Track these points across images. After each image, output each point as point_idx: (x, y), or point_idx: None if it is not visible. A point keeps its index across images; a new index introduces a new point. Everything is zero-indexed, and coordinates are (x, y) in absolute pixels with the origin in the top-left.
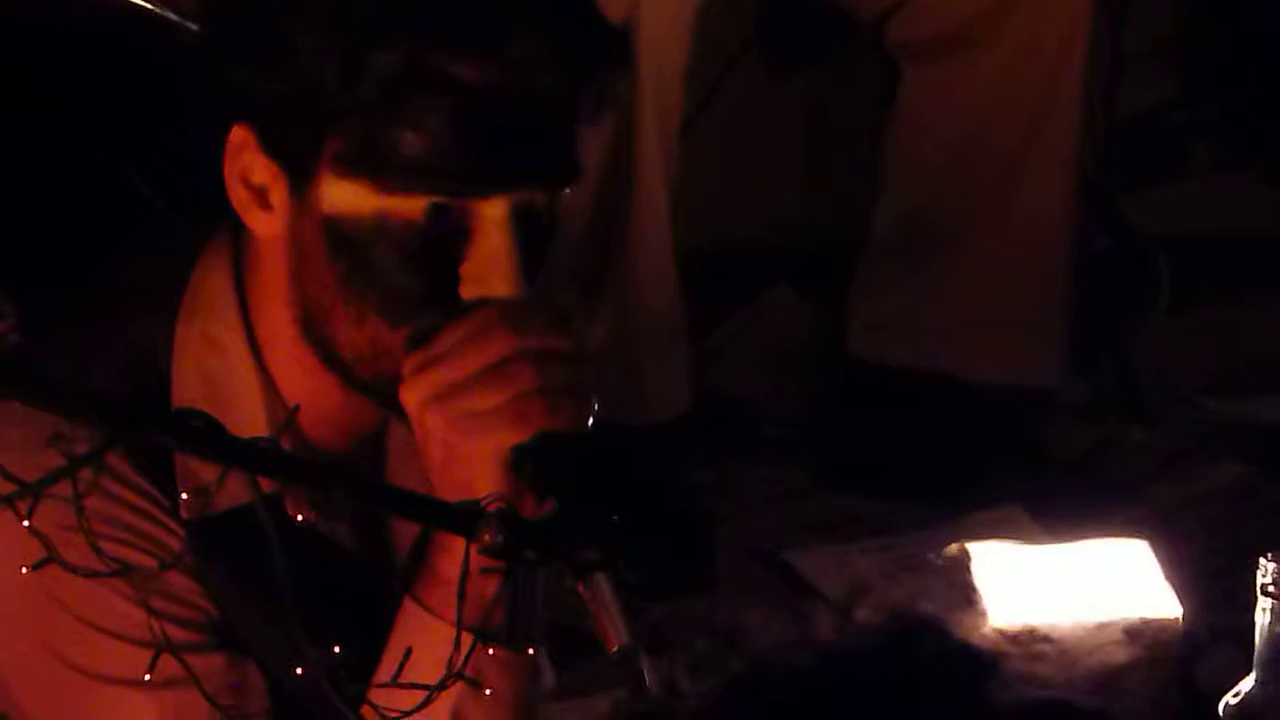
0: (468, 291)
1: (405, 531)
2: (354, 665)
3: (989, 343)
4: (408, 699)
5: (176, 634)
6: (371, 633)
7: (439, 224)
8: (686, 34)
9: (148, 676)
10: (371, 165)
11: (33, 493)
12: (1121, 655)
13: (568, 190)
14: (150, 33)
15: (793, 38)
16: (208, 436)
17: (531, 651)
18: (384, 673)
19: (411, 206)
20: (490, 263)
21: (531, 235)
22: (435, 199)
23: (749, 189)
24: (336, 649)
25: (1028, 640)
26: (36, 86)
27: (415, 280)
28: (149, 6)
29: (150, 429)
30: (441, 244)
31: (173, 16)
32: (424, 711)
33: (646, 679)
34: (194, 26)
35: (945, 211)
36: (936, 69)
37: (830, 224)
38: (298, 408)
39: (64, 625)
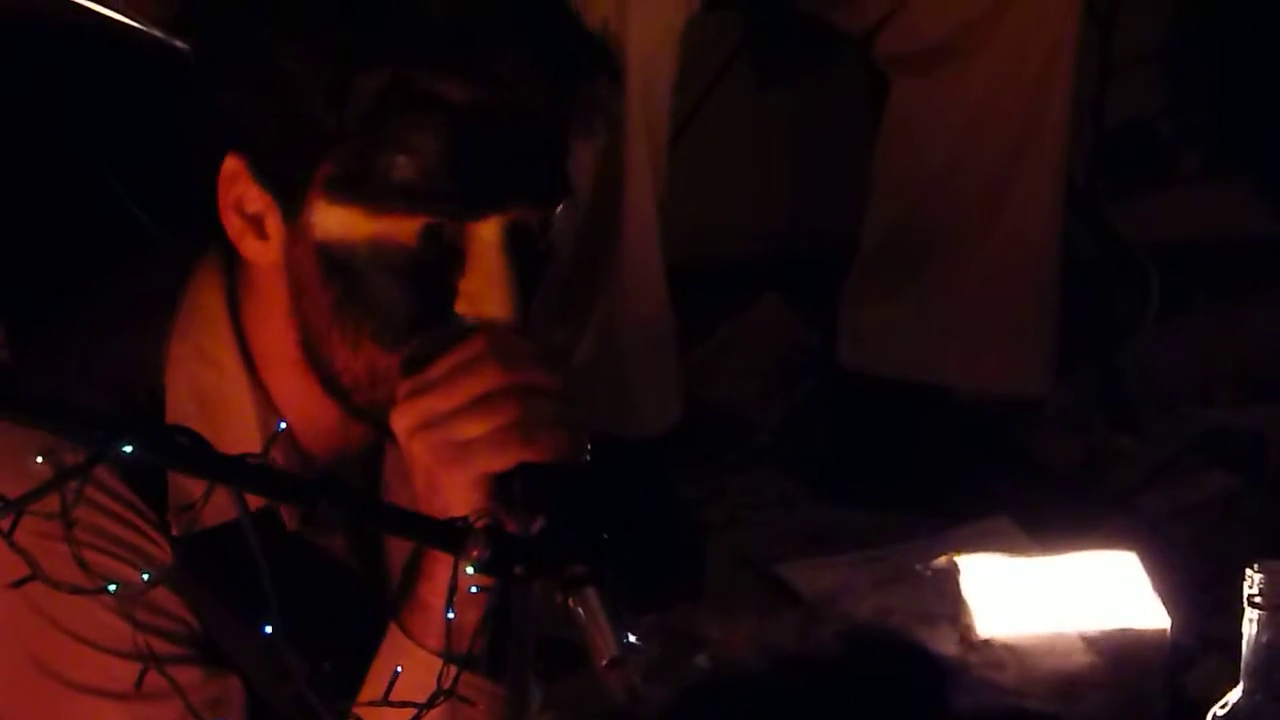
0: (462, 309)
1: (399, 550)
2: (343, 681)
3: (978, 353)
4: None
5: (156, 646)
6: (362, 650)
7: (432, 246)
8: (675, 46)
9: (109, 662)
10: (362, 189)
11: (15, 509)
12: (1106, 669)
13: (559, 209)
14: (145, 53)
15: (780, 49)
16: (194, 453)
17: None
18: (366, 694)
19: (404, 229)
20: (485, 284)
21: (525, 255)
22: (428, 220)
23: (737, 200)
24: (325, 666)
25: (1007, 652)
26: (27, 105)
27: (410, 303)
28: (142, 27)
29: (137, 445)
30: (435, 266)
31: (163, 36)
32: None
33: (613, 687)
34: (184, 45)
35: (933, 222)
36: (924, 80)
37: (818, 234)
38: (286, 427)
39: (43, 632)
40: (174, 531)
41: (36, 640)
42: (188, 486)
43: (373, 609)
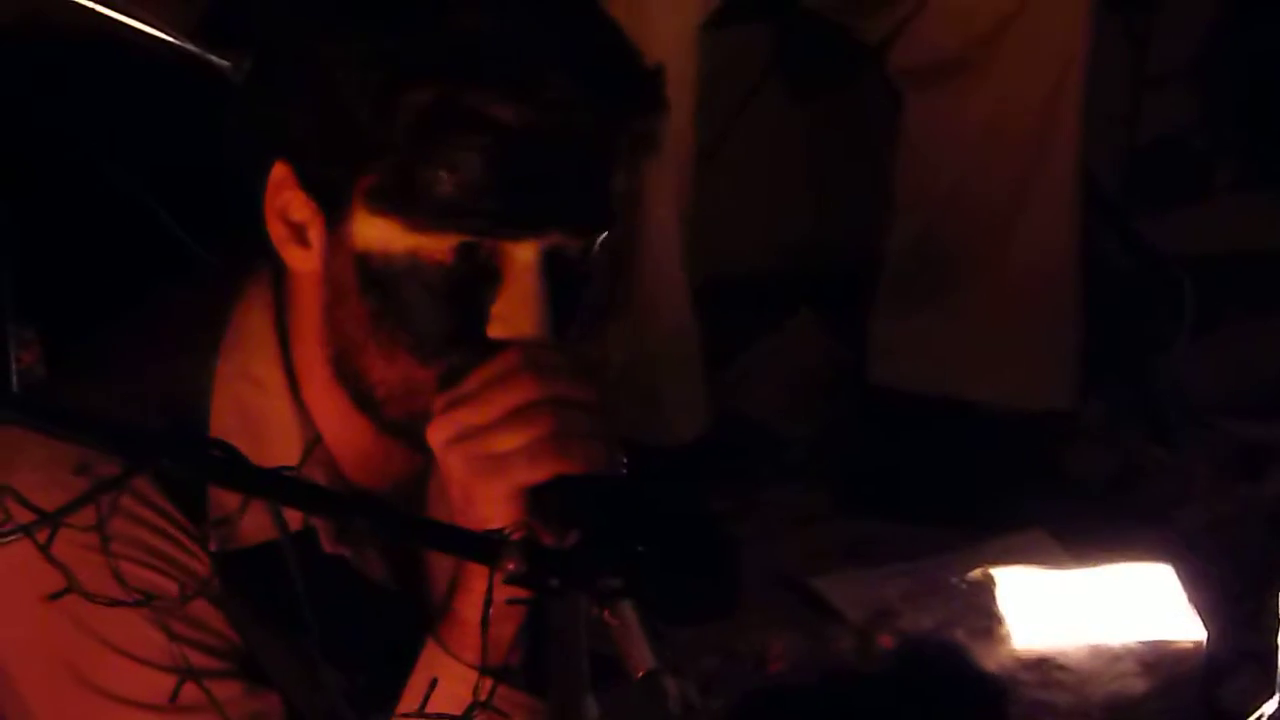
0: (496, 332)
1: (441, 568)
2: (382, 699)
3: (1001, 367)
4: None
5: (197, 660)
6: (399, 667)
7: (469, 264)
8: (693, 50)
9: (152, 677)
10: (403, 202)
11: (52, 522)
12: (1143, 681)
13: (601, 237)
14: (186, 70)
15: (811, 65)
16: (229, 466)
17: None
18: (404, 708)
19: (441, 245)
20: (519, 306)
21: (563, 281)
22: (465, 239)
23: (771, 215)
24: (359, 678)
25: (1047, 666)
26: (70, 126)
27: (445, 319)
28: (184, 45)
29: (172, 458)
30: (471, 284)
31: (203, 53)
32: None
33: (670, 701)
34: (224, 63)
35: (953, 237)
36: (936, 95)
37: (849, 249)
38: (320, 438)
39: (84, 646)
40: (212, 547)
41: (75, 652)
42: (227, 501)
43: (410, 627)
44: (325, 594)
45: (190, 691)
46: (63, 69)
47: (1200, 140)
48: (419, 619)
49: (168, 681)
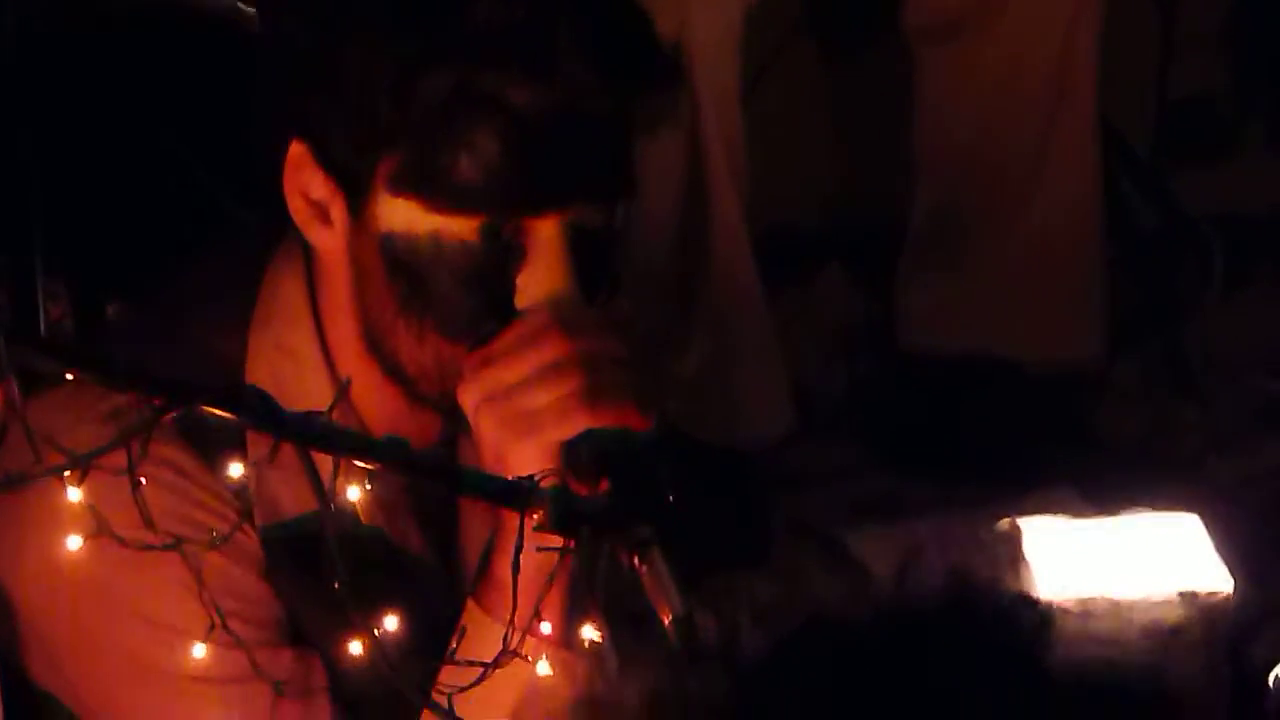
0: (523, 304)
1: (475, 541)
2: (419, 659)
3: (1028, 322)
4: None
5: (243, 631)
6: (438, 636)
7: (493, 242)
8: (736, 45)
9: (200, 649)
10: (424, 186)
11: (81, 465)
12: (1174, 621)
13: (621, 207)
14: (226, 31)
15: (844, 17)
16: (262, 409)
17: (592, 640)
18: (445, 673)
19: (465, 227)
20: (544, 278)
21: (587, 251)
22: (487, 219)
23: (797, 169)
24: (394, 621)
25: (1080, 605)
26: (108, 84)
27: (472, 298)
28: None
29: (205, 401)
30: (496, 261)
31: (233, 3)
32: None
33: (701, 634)
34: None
35: (974, 195)
36: (949, 53)
37: (880, 204)
38: (349, 381)
39: (137, 628)
40: (258, 521)
41: (131, 636)
42: (275, 489)
43: (448, 600)
44: (365, 566)
45: (236, 660)
46: (96, 19)
47: (1230, 99)
48: (456, 591)
49: (221, 654)
